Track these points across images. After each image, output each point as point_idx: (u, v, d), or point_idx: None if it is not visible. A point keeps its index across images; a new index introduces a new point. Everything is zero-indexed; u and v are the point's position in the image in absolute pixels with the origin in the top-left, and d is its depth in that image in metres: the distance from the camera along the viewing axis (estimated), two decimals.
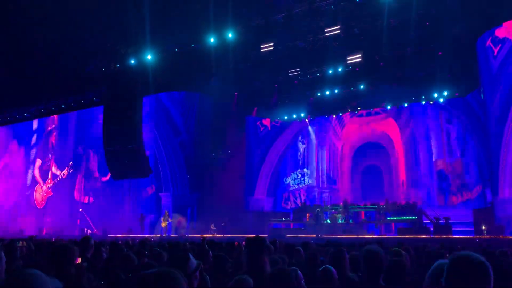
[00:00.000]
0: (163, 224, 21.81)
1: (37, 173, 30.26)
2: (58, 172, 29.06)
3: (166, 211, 22.25)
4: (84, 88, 25.83)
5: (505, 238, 14.20)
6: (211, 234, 20.54)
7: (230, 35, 17.95)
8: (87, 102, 27.27)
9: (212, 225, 22.08)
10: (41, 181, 29.87)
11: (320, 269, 3.72)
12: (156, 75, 20.88)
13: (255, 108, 27.18)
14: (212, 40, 18.40)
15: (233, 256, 5.16)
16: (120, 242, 8.93)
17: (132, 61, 20.78)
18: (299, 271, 2.94)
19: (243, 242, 6.94)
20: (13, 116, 30.48)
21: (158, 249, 5.82)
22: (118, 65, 21.57)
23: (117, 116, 21.04)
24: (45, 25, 18.32)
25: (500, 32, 16.64)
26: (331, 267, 3.73)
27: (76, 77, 23.07)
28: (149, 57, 20.13)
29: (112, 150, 21.13)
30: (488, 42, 17.01)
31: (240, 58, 20.27)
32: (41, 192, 29.74)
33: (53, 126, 30.29)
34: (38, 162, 30.40)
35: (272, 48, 19.06)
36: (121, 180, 23.66)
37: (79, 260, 3.52)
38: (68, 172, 28.36)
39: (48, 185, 29.42)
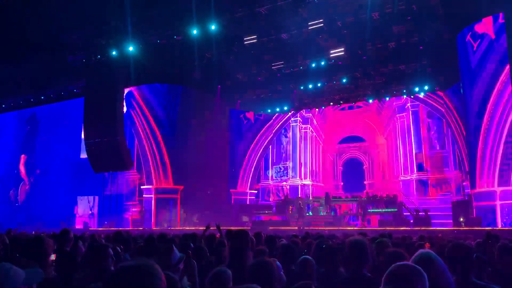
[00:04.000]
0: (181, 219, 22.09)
1: (22, 169, 29.65)
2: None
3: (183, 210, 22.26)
4: (64, 80, 25.36)
5: (482, 229, 14.53)
6: (194, 226, 20.50)
7: (213, 27, 17.82)
8: (67, 94, 26.83)
9: (195, 217, 22.08)
10: (26, 178, 29.36)
11: (299, 259, 3.75)
12: (138, 67, 20.63)
13: (238, 101, 27.14)
14: (195, 32, 18.23)
15: (214, 248, 5.17)
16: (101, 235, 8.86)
17: (114, 53, 20.47)
18: (277, 262, 2.96)
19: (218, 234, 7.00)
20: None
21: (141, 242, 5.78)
22: (99, 57, 21.23)
23: (98, 108, 20.76)
24: (25, 16, 17.90)
25: (479, 28, 16.92)
26: (310, 258, 3.76)
27: (56, 68, 22.63)
28: (130, 48, 19.86)
29: (93, 143, 20.86)
30: (468, 37, 17.28)
31: (223, 51, 20.16)
32: (25, 189, 29.28)
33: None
34: (23, 158, 29.76)
35: (255, 40, 19.01)
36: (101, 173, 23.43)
37: (53, 256, 3.47)
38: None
39: (29, 180, 29.00)
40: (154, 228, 20.45)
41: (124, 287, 1.46)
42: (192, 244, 4.80)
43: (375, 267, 3.93)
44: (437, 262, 2.40)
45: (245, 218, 21.86)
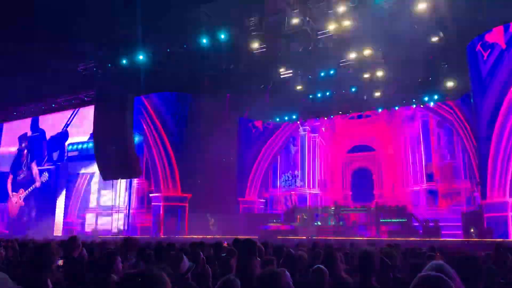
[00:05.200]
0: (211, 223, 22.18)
1: (9, 186, 30.52)
2: (37, 178, 29.18)
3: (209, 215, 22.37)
4: (75, 88, 25.66)
5: (493, 241, 14.32)
6: (207, 235, 20.41)
7: (222, 36, 17.94)
8: (78, 101, 27.11)
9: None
10: (10, 194, 30.34)
11: (312, 269, 3.73)
12: (148, 76, 20.78)
13: (247, 110, 27.15)
14: (204, 41, 18.37)
15: (221, 257, 5.15)
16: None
17: (124, 61, 20.66)
18: (287, 272, 2.93)
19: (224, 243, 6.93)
20: (4, 114, 30.23)
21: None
22: (109, 65, 21.45)
23: (108, 116, 20.93)
24: (36, 24, 18.18)
25: (490, 37, 16.83)
26: (323, 267, 3.74)
27: (67, 76, 22.90)
28: (141, 57, 20.04)
29: (103, 150, 21.01)
30: (478, 47, 17.19)
31: (232, 59, 20.26)
32: (12, 204, 30.04)
33: (23, 145, 30.44)
34: (10, 177, 30.77)
35: (264, 49, 19.08)
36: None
37: (61, 262, 3.48)
38: (44, 181, 28.64)
39: (20, 195, 29.66)
40: (162, 236, 20.43)
41: None
42: (201, 253, 4.79)
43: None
44: (450, 274, 2.25)
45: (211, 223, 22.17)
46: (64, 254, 4.85)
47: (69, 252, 4.64)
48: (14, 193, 30.12)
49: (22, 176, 30.04)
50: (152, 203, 23.70)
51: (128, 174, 21.53)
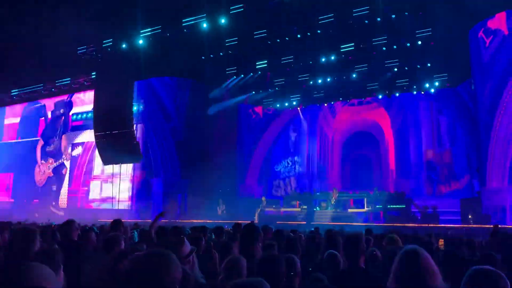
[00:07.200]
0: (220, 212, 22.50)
1: (38, 153, 29.76)
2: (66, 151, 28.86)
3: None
4: (75, 72, 25.54)
5: (491, 227, 14.42)
6: (208, 219, 20.53)
7: (223, 21, 17.81)
8: (78, 86, 27.02)
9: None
10: (39, 161, 29.44)
11: (326, 254, 3.76)
12: (148, 60, 20.69)
13: (247, 95, 27.07)
14: (204, 25, 18.24)
15: (221, 241, 5.20)
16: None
17: (124, 46, 20.54)
18: (296, 258, 2.95)
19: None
20: (3, 98, 30.13)
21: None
22: (109, 49, 21.34)
23: (108, 101, 20.87)
24: (36, 7, 18.02)
25: (492, 23, 16.70)
26: (337, 253, 3.76)
27: (67, 60, 22.77)
28: (140, 41, 19.92)
29: (103, 135, 21.02)
30: (480, 33, 17.07)
31: (232, 45, 20.14)
32: (39, 172, 29.32)
33: (61, 111, 29.57)
34: (41, 142, 29.82)
35: (265, 35, 18.96)
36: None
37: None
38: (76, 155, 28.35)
39: (49, 165, 29.01)
40: (163, 221, 20.53)
41: (143, 274, 1.49)
42: (204, 237, 4.84)
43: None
44: (425, 260, 2.06)
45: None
46: (61, 238, 4.88)
47: (66, 236, 4.67)
48: (43, 161, 29.25)
49: (52, 146, 29.12)
50: (152, 188, 23.79)
51: (128, 159, 21.56)
